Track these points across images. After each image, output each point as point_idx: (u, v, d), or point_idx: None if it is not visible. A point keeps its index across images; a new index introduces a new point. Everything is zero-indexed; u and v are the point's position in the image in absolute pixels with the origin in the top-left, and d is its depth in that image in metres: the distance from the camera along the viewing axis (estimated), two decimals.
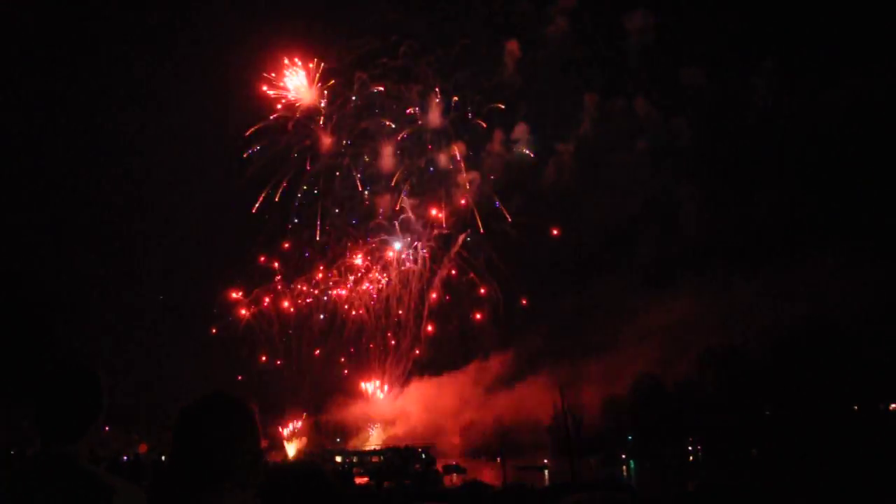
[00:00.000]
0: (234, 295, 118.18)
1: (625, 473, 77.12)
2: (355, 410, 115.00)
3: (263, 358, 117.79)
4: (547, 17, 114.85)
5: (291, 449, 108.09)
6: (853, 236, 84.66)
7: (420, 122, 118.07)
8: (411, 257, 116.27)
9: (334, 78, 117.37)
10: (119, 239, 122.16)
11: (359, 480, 53.18)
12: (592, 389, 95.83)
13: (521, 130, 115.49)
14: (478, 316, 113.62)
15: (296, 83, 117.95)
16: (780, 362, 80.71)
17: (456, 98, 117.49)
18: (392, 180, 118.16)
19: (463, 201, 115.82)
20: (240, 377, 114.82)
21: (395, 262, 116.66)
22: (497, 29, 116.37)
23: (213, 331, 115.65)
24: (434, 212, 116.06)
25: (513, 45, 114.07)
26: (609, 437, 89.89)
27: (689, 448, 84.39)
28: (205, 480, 2.49)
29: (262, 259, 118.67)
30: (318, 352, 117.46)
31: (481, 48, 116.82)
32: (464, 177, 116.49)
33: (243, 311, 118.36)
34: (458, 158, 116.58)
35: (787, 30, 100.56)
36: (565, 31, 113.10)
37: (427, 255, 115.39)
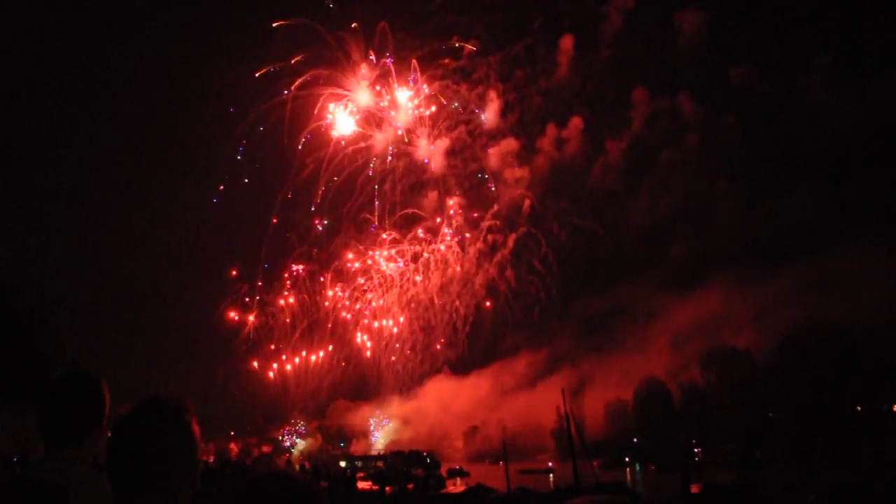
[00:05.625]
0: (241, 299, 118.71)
1: (628, 477, 76.81)
2: (363, 413, 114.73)
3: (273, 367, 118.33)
4: (602, 14, 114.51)
5: (295, 452, 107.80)
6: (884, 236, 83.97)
7: (475, 123, 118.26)
8: (455, 256, 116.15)
9: (393, 79, 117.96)
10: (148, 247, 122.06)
11: (362, 485, 53.14)
12: (606, 392, 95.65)
13: (573, 128, 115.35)
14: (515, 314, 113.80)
15: (354, 84, 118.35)
16: (784, 364, 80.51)
17: (512, 97, 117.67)
18: (441, 180, 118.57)
19: (511, 200, 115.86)
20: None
21: (437, 263, 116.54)
22: (554, 28, 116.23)
23: (254, 363, 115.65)
24: (481, 212, 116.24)
25: (567, 43, 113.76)
26: (614, 441, 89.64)
27: (696, 450, 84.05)
28: (138, 488, 2.53)
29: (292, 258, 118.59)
30: (323, 354, 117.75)
31: (538, 48, 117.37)
32: (514, 175, 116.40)
33: (251, 319, 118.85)
34: (510, 157, 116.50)
35: (836, 30, 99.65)
36: (619, 30, 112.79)
37: (473, 255, 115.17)
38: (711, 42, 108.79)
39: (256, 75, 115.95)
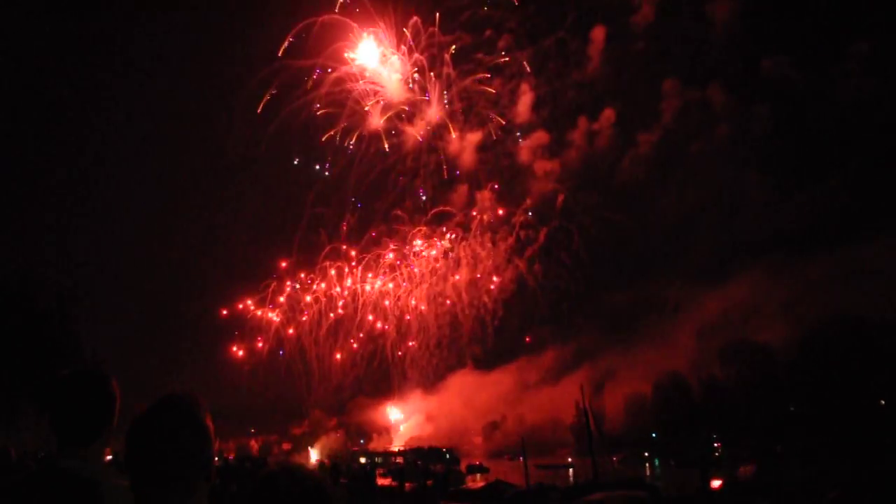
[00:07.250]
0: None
1: (648, 472, 76.55)
2: (384, 409, 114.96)
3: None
4: (634, 5, 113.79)
5: (314, 453, 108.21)
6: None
7: (507, 117, 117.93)
8: (485, 251, 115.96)
9: (425, 72, 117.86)
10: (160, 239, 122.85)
11: (381, 481, 53.33)
12: (630, 386, 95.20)
13: (604, 121, 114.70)
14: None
15: (386, 77, 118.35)
16: (806, 357, 79.73)
17: (544, 91, 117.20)
18: (472, 175, 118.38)
19: (543, 194, 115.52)
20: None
21: (467, 258, 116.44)
22: (586, 20, 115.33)
23: (238, 351, 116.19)
24: (512, 207, 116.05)
25: (599, 35, 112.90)
26: (633, 435, 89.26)
27: (716, 445, 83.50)
28: (155, 485, 2.59)
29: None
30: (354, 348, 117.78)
31: (570, 41, 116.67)
32: (545, 168, 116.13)
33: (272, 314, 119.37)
34: (541, 150, 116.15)
35: (871, 17, 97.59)
36: (651, 21, 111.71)
37: (503, 251, 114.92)
38: (743, 31, 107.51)
39: (286, 73, 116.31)
